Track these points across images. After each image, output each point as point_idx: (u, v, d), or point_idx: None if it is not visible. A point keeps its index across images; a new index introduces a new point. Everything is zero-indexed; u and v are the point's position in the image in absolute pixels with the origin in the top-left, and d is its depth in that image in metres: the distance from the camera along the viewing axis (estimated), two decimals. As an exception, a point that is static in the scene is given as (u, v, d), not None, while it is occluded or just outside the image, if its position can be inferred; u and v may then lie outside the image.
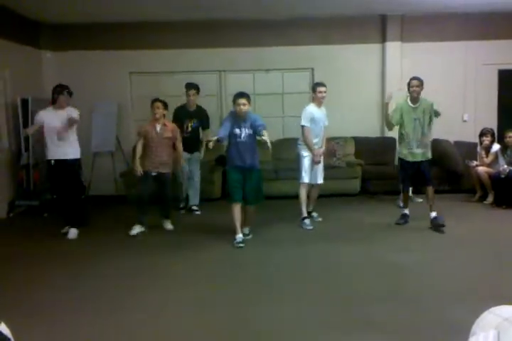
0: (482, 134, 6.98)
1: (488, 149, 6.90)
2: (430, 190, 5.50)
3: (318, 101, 5.65)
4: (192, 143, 6.25)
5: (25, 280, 4.09)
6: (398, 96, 5.86)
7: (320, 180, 5.81)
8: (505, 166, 6.50)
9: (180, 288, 3.82)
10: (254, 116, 4.96)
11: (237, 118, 4.88)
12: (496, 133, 7.08)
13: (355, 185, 7.47)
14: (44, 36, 7.90)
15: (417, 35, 7.95)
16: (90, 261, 4.58)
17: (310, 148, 5.58)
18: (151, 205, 5.73)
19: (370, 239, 5.11)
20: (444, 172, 7.37)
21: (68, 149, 5.34)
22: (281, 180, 7.21)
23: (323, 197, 6.34)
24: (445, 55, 8.05)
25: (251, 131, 4.86)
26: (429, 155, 5.53)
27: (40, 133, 5.42)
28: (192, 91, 6.35)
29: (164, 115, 5.69)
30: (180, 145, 5.78)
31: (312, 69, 8.16)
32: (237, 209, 4.93)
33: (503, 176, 6.42)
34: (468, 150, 7.40)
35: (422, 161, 5.48)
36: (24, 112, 6.80)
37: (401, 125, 5.45)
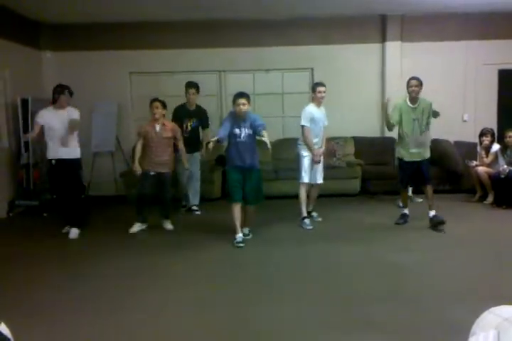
0: (482, 134, 6.98)
1: (488, 149, 6.90)
2: (429, 189, 5.52)
3: (318, 101, 5.66)
4: (192, 143, 6.24)
5: (25, 280, 4.09)
6: (397, 96, 5.86)
7: (320, 180, 5.81)
8: (505, 166, 6.50)
9: (180, 288, 3.82)
10: (254, 116, 4.96)
11: (237, 118, 4.88)
12: (495, 133, 7.08)
13: (355, 185, 7.48)
14: (44, 36, 7.90)
15: (417, 35, 7.96)
16: (90, 260, 4.58)
17: (310, 148, 5.58)
18: (151, 205, 5.75)
19: (370, 239, 5.11)
20: (444, 172, 7.37)
21: (69, 149, 5.34)
22: (281, 180, 7.21)
23: (323, 197, 6.34)
24: (445, 54, 8.06)
25: (251, 131, 4.86)
26: (427, 154, 5.53)
27: (40, 133, 5.41)
28: (192, 90, 6.35)
29: (164, 115, 5.69)
30: (182, 145, 5.79)
31: (312, 69, 8.17)
32: (237, 209, 4.93)
33: (502, 176, 6.43)
34: (468, 150, 7.40)
35: (420, 161, 5.48)
36: (24, 112, 6.80)
37: (400, 125, 5.45)
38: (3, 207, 6.60)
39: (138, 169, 5.54)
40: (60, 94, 5.28)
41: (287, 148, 6.85)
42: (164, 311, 3.37)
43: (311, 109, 5.61)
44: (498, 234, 5.19)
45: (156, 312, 3.33)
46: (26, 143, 6.79)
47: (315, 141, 5.62)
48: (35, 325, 3.14)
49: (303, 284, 3.84)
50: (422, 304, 3.35)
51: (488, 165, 6.82)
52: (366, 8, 7.48)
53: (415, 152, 5.45)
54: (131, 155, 6.76)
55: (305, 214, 5.70)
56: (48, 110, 5.38)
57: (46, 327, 3.13)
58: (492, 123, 7.84)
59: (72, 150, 5.39)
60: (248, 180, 4.95)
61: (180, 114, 6.40)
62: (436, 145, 7.17)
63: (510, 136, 6.64)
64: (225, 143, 5.11)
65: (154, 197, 5.68)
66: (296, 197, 5.72)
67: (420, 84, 5.35)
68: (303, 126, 5.56)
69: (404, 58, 7.99)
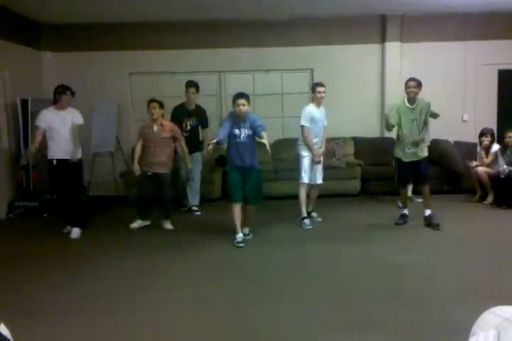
0: (482, 134, 6.98)
1: (487, 149, 6.90)
2: (426, 188, 5.55)
3: (318, 102, 5.66)
4: (191, 143, 6.22)
5: (25, 280, 4.09)
6: (397, 96, 5.86)
7: (319, 180, 5.81)
8: (505, 166, 6.50)
9: (180, 288, 3.82)
10: (254, 116, 4.96)
11: (237, 118, 4.88)
12: (495, 134, 7.08)
13: (355, 185, 7.48)
14: (44, 37, 7.89)
15: (417, 35, 7.96)
16: (90, 261, 4.58)
17: (310, 148, 5.59)
18: (152, 205, 5.76)
19: (369, 239, 5.11)
20: (444, 173, 7.37)
21: (69, 149, 5.34)
22: (281, 181, 7.21)
23: (323, 197, 6.34)
24: (445, 55, 8.06)
25: (250, 132, 4.86)
26: (425, 154, 5.53)
27: (42, 141, 5.41)
28: (192, 90, 6.36)
29: (163, 115, 5.70)
30: (184, 145, 5.79)
31: (312, 69, 8.17)
32: (237, 209, 4.94)
33: (502, 176, 6.43)
34: (468, 150, 7.40)
35: (418, 160, 5.49)
36: (24, 113, 6.80)
37: (399, 126, 5.45)
38: (2, 208, 6.60)
39: (137, 169, 5.56)
40: (61, 95, 5.29)
41: (287, 149, 6.85)
42: (164, 311, 3.37)
43: (311, 109, 5.61)
44: (498, 234, 5.19)
45: (156, 312, 3.33)
46: (26, 144, 6.78)
47: (315, 141, 5.63)
48: (35, 325, 3.14)
49: (303, 284, 3.84)
50: (422, 304, 3.35)
51: (488, 166, 6.82)
52: (366, 8, 7.48)
53: (412, 152, 5.46)
54: (131, 156, 6.76)
55: (305, 214, 5.70)
56: (49, 110, 5.39)
57: (46, 328, 3.14)
58: (492, 123, 7.84)
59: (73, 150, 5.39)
60: (248, 180, 4.95)
61: (179, 114, 6.40)
62: (436, 145, 7.18)
63: (509, 136, 6.64)
64: (225, 145, 5.11)
65: (154, 197, 5.69)
66: (296, 197, 5.72)
67: (419, 85, 5.34)
68: (302, 126, 5.56)
69: (404, 58, 7.99)
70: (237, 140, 4.88)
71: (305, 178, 5.66)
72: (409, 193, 6.39)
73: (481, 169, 6.81)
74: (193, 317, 3.26)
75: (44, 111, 5.40)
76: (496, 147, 6.84)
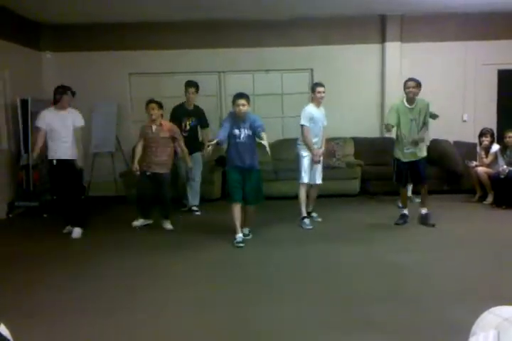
0: (482, 134, 6.98)
1: (487, 149, 6.90)
2: (424, 187, 5.65)
3: (317, 102, 5.67)
4: (191, 143, 6.21)
5: (25, 280, 4.09)
6: (397, 96, 5.87)
7: (319, 181, 5.81)
8: (505, 166, 6.50)
9: (180, 288, 3.82)
10: (254, 116, 4.96)
11: (237, 118, 4.88)
12: (495, 134, 7.08)
13: (355, 185, 7.48)
14: (44, 37, 7.90)
15: (417, 35, 7.96)
16: (90, 261, 4.58)
17: (309, 148, 5.59)
18: (152, 205, 5.76)
19: (369, 239, 5.12)
20: (444, 173, 7.37)
21: (70, 149, 5.35)
22: (281, 181, 7.22)
23: (323, 197, 6.34)
24: (445, 55, 8.06)
25: (250, 132, 4.86)
26: (423, 154, 5.54)
27: (44, 142, 5.42)
28: (192, 90, 6.36)
29: (162, 115, 5.71)
30: (183, 145, 5.80)
31: (311, 69, 8.17)
32: (237, 209, 4.94)
33: (502, 176, 6.43)
34: (468, 150, 7.40)
35: (417, 160, 5.50)
36: (24, 113, 6.80)
37: (398, 126, 5.45)
38: (2, 208, 6.60)
39: (136, 169, 5.57)
40: (62, 95, 5.29)
41: (287, 149, 6.85)
42: (164, 311, 3.37)
43: (311, 109, 5.62)
44: (498, 234, 5.19)
45: (156, 312, 3.33)
46: (26, 144, 6.78)
47: (314, 140, 5.63)
48: (35, 325, 3.14)
49: (303, 284, 3.84)
50: (422, 304, 3.36)
51: (488, 166, 6.82)
52: (366, 8, 7.49)
53: (410, 152, 5.46)
54: (131, 156, 6.76)
55: (305, 214, 5.70)
56: (49, 111, 5.39)
57: (46, 328, 3.13)
58: (492, 123, 7.84)
59: (73, 151, 5.39)
60: (248, 180, 4.95)
61: (178, 114, 6.40)
62: (435, 145, 7.19)
63: (509, 137, 6.64)
64: (225, 146, 5.11)
65: (153, 196, 5.70)
66: (296, 197, 5.72)
67: (418, 85, 5.34)
68: (302, 126, 5.56)
69: (403, 58, 7.99)
70: (237, 140, 4.88)
71: (305, 178, 5.66)
72: (409, 193, 6.39)
73: (480, 169, 6.81)
74: (193, 317, 3.26)
75: (44, 111, 5.40)
76: (495, 147, 6.84)
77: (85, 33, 7.91)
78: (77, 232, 5.43)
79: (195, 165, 6.34)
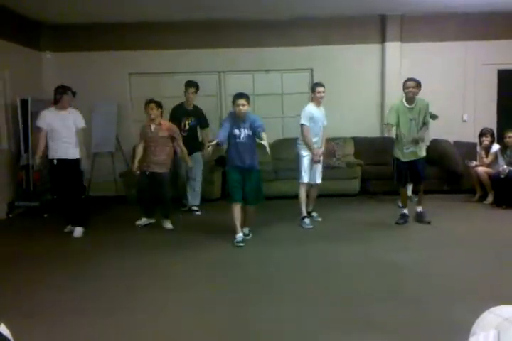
0: (482, 134, 6.98)
1: (487, 149, 6.90)
2: (421, 186, 5.73)
3: (317, 101, 5.67)
4: (190, 143, 6.20)
5: (25, 280, 4.09)
6: (397, 96, 5.87)
7: (318, 180, 5.82)
8: (505, 166, 6.50)
9: (180, 288, 3.82)
10: (254, 116, 4.96)
11: (237, 118, 4.88)
12: (495, 134, 7.08)
13: (355, 185, 7.48)
14: (44, 37, 7.89)
15: (417, 35, 7.96)
16: (90, 261, 4.58)
17: (309, 147, 5.59)
18: (152, 204, 5.77)
19: (369, 238, 5.12)
20: (444, 173, 7.37)
21: (70, 149, 5.35)
22: (281, 180, 7.22)
23: (323, 197, 6.34)
24: (445, 55, 8.06)
25: (250, 132, 4.86)
26: (423, 153, 5.56)
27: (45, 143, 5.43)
28: (191, 89, 6.36)
29: (161, 115, 5.71)
30: (182, 145, 5.80)
31: (311, 69, 8.17)
32: (237, 209, 4.94)
33: (502, 176, 6.43)
34: (468, 150, 7.40)
35: (416, 160, 5.51)
36: (24, 113, 6.80)
37: (397, 126, 5.46)
38: (2, 208, 6.60)
39: (136, 169, 5.58)
40: (62, 95, 5.30)
41: (287, 149, 6.86)
42: (164, 311, 3.37)
43: (311, 109, 5.63)
44: (498, 234, 5.19)
45: (156, 312, 3.33)
46: (26, 144, 6.79)
47: (314, 140, 5.63)
48: (35, 325, 3.14)
49: (303, 284, 3.84)
50: (422, 304, 3.35)
51: (488, 166, 6.82)
52: (366, 8, 7.49)
53: (410, 151, 5.47)
54: (131, 156, 6.76)
55: (305, 213, 5.70)
56: (49, 111, 5.39)
57: (46, 328, 3.13)
58: (492, 123, 7.84)
59: (74, 151, 5.39)
60: (248, 180, 4.95)
61: (178, 113, 6.41)
62: (435, 145, 7.19)
63: (509, 136, 6.64)
64: (225, 146, 5.11)
65: (153, 196, 5.70)
66: (296, 197, 5.72)
67: (418, 85, 5.35)
68: (302, 125, 5.57)
69: (403, 58, 7.99)
70: (237, 140, 4.88)
71: (305, 178, 5.67)
72: (409, 193, 6.39)
73: (480, 169, 6.81)
74: (193, 317, 3.26)
75: (44, 111, 5.40)
76: (495, 147, 6.84)
77: (85, 33, 7.91)
78: (78, 231, 5.44)
79: (195, 165, 6.34)
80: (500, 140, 6.85)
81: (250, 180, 4.95)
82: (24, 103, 6.79)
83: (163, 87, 7.91)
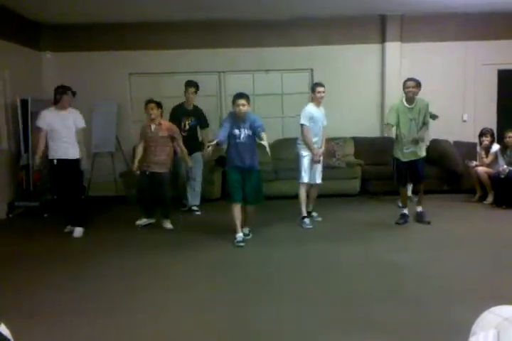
0: (482, 134, 6.98)
1: (487, 149, 6.90)
2: (421, 186, 5.74)
3: (317, 101, 5.68)
4: (190, 143, 6.20)
5: (25, 280, 4.09)
6: (397, 96, 5.87)
7: (318, 180, 5.82)
8: (505, 166, 6.50)
9: (180, 288, 3.82)
10: (254, 116, 4.96)
11: (237, 118, 4.88)
12: (495, 134, 7.08)
13: (355, 185, 7.48)
14: (44, 37, 7.89)
15: (417, 35, 7.96)
16: (90, 261, 4.58)
17: (309, 147, 5.59)
18: (152, 204, 5.77)
19: (369, 238, 5.11)
20: (444, 173, 7.37)
21: (70, 149, 5.36)
22: (281, 180, 7.22)
23: (323, 197, 6.34)
24: (445, 55, 8.06)
25: (250, 132, 4.86)
26: (423, 153, 5.57)
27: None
28: (191, 89, 6.36)
29: (161, 115, 5.72)
30: (182, 144, 5.80)
31: (311, 69, 8.17)
32: (237, 209, 4.94)
33: (502, 176, 6.43)
34: (468, 150, 7.40)
35: (416, 160, 5.51)
36: (24, 113, 6.79)
37: (397, 126, 5.46)
38: (2, 208, 6.59)
39: (136, 169, 5.59)
40: (62, 94, 5.30)
41: (287, 149, 6.86)
42: (164, 311, 3.37)
43: (311, 108, 5.63)
44: (498, 234, 5.19)
45: (156, 312, 3.34)
46: (26, 144, 6.78)
47: (314, 140, 5.63)
48: (35, 325, 3.14)
49: (303, 284, 3.84)
50: (422, 304, 3.35)
51: (488, 166, 6.82)
52: (366, 8, 7.49)
53: (410, 151, 5.47)
54: (131, 156, 6.76)
55: (305, 213, 5.70)
56: (49, 111, 5.39)
57: (46, 328, 3.14)
58: (492, 123, 7.85)
59: (74, 151, 5.39)
60: (248, 180, 4.95)
61: (178, 113, 6.41)
62: (435, 145, 7.19)
63: (509, 136, 6.64)
64: (225, 146, 5.11)
65: (153, 196, 5.70)
66: (296, 197, 5.73)
67: (418, 85, 5.35)
68: (302, 125, 5.57)
69: (403, 58, 7.99)
70: (237, 140, 4.88)
71: (305, 178, 5.67)
72: (409, 193, 6.39)
73: (480, 169, 6.81)
74: (193, 317, 3.26)
75: (44, 111, 5.40)
76: (495, 147, 6.84)
77: (85, 33, 7.91)
78: (78, 231, 5.44)
79: (195, 165, 6.34)
80: (500, 140, 6.85)
81: (250, 180, 4.95)
82: (24, 103, 6.79)
83: (163, 87, 7.91)
